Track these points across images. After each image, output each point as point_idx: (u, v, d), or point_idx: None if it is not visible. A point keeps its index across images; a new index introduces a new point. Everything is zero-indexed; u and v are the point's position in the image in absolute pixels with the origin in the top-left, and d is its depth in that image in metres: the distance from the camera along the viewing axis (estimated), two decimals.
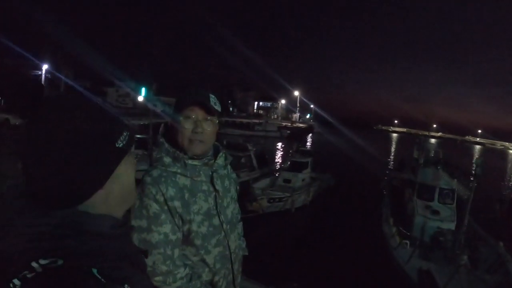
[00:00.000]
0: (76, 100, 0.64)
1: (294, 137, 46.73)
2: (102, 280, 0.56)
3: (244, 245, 1.59)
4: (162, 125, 1.36)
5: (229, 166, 1.46)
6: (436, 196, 11.24)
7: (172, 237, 1.19)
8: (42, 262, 0.53)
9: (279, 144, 42.53)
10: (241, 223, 1.57)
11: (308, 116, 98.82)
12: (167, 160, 1.25)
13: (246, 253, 1.60)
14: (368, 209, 14.53)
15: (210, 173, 1.32)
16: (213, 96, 1.29)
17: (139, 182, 1.08)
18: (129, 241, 0.81)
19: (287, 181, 15.33)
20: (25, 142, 0.60)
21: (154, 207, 1.17)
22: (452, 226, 10.07)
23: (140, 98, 46.44)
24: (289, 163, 17.05)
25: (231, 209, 1.41)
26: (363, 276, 8.86)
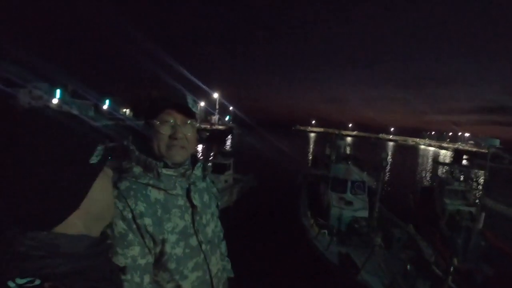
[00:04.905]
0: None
1: (213, 139, 46.74)
2: None
3: (229, 266, 1.46)
4: (132, 131, 1.17)
5: (208, 179, 1.31)
6: (349, 188, 12.19)
7: (141, 261, 1.00)
8: (19, 281, 0.52)
9: (199, 147, 42.17)
10: (224, 242, 1.43)
11: (227, 118, 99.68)
12: (138, 170, 1.07)
13: (232, 275, 1.45)
14: (287, 205, 15.31)
15: (187, 185, 1.16)
16: (190, 97, 1.15)
17: None
18: (108, 260, 0.77)
19: None
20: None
21: (120, 225, 0.98)
22: (365, 214, 11.07)
23: (55, 101, 41.70)
24: (210, 165, 16.99)
25: (212, 227, 1.24)
26: (288, 265, 9.37)
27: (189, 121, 1.13)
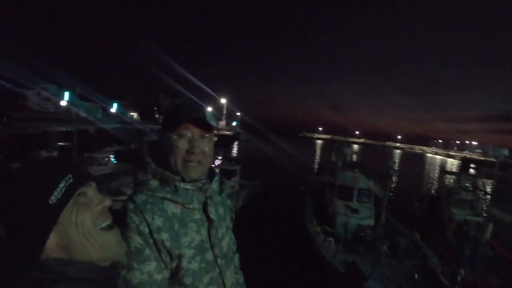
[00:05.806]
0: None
1: (220, 145, 46.80)
2: None
3: (242, 279, 1.42)
4: (149, 143, 1.14)
5: (223, 192, 1.29)
6: (355, 196, 12.19)
7: (157, 276, 0.98)
8: None
9: None
10: (237, 255, 1.40)
11: (234, 123, 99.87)
12: (154, 183, 1.06)
13: None
14: (293, 212, 15.31)
15: (204, 199, 1.13)
16: (208, 111, 1.14)
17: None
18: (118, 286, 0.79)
19: None
20: None
21: (137, 240, 0.97)
22: (371, 222, 11.06)
23: (63, 103, 42.02)
24: (217, 171, 17.09)
25: (227, 240, 1.22)
26: (294, 273, 9.40)
27: (206, 135, 1.12)
